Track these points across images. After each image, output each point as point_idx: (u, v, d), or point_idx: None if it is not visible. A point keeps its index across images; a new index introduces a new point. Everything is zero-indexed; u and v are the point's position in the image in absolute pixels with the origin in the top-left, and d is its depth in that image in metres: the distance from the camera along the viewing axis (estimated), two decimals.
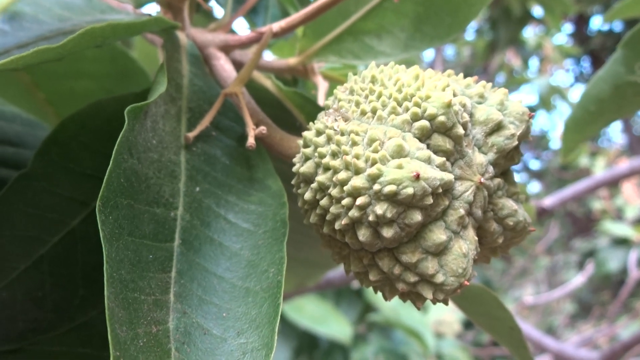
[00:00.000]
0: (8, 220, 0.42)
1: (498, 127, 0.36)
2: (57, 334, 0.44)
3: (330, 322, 2.08)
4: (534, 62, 4.86)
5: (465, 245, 0.34)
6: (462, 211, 0.34)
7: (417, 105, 0.34)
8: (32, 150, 0.55)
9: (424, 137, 0.34)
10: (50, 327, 0.44)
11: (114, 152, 0.34)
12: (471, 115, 0.36)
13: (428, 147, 0.34)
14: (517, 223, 0.37)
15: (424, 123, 0.34)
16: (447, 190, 0.34)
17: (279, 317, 0.35)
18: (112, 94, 0.69)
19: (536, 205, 1.33)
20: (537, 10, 3.68)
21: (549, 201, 1.38)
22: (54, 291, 0.44)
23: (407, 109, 0.35)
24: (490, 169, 0.36)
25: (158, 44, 0.64)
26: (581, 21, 6.93)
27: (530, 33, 4.40)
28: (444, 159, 0.34)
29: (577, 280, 3.73)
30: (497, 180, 0.37)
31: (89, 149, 0.45)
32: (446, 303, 0.36)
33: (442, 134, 0.34)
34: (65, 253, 0.44)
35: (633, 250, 3.10)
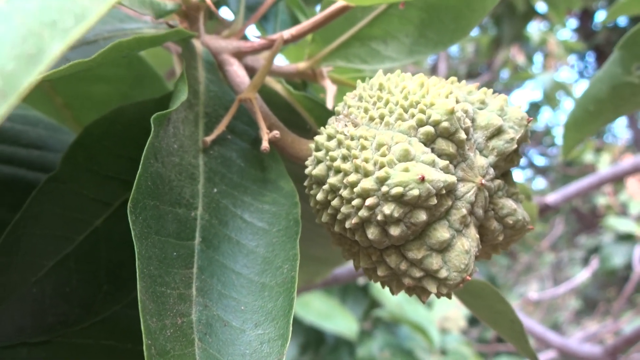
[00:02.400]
0: (38, 220, 0.44)
1: (498, 132, 0.38)
2: (83, 327, 0.47)
3: (336, 318, 2.10)
4: (538, 58, 4.86)
5: (468, 242, 0.37)
6: (464, 211, 0.37)
7: (422, 111, 0.37)
8: (56, 153, 0.58)
9: (428, 141, 0.37)
10: (77, 321, 0.46)
11: (142, 158, 0.36)
12: (473, 120, 0.38)
13: (432, 151, 0.37)
14: (516, 221, 0.39)
15: (429, 129, 0.37)
16: (450, 191, 0.36)
17: (294, 310, 0.37)
18: (128, 98, 0.72)
19: (539, 202, 1.35)
20: (541, 6, 3.67)
21: (552, 198, 1.40)
22: (80, 287, 0.47)
23: (412, 116, 0.37)
24: (491, 171, 0.38)
25: (172, 50, 0.67)
26: (586, 16, 6.89)
27: (534, 28, 4.39)
28: (448, 162, 0.37)
29: (581, 275, 3.74)
30: (498, 182, 0.39)
31: (112, 152, 0.48)
32: (449, 297, 0.39)
33: (446, 138, 0.37)
34: (89, 251, 0.47)
35: (638, 246, 3.11)
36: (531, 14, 3.77)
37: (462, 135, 0.37)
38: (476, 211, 0.38)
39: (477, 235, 0.38)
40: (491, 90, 0.41)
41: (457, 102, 0.38)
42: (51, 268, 0.45)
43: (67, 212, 0.46)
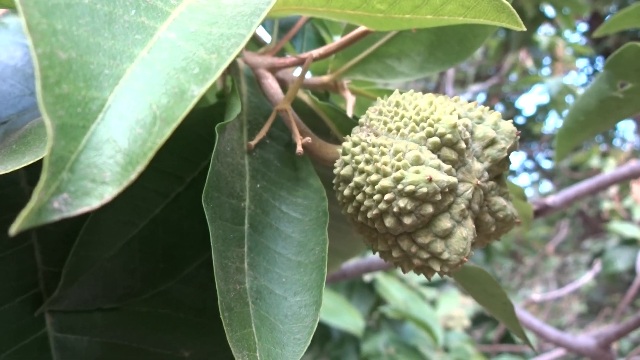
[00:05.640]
0: (112, 208, 0.54)
1: (492, 142, 0.47)
2: (144, 297, 0.56)
3: (342, 315, 2.15)
4: (546, 62, 4.90)
5: (465, 231, 0.46)
6: (463, 206, 0.46)
7: (431, 125, 0.46)
8: None
9: (435, 149, 0.46)
10: (139, 292, 0.56)
11: (211, 160, 0.46)
12: (472, 133, 0.47)
13: (438, 157, 0.46)
14: (506, 216, 0.48)
15: (436, 139, 0.46)
16: (452, 189, 0.45)
17: (324, 283, 0.47)
18: None
19: (539, 202, 1.43)
20: (551, 11, 3.71)
21: (551, 199, 1.48)
22: (142, 264, 0.56)
23: (423, 128, 0.46)
24: (486, 174, 0.47)
25: None
26: (596, 20, 6.90)
27: (543, 33, 4.42)
28: (450, 166, 0.46)
29: (584, 278, 3.79)
30: (491, 183, 0.48)
31: (170, 151, 0.57)
32: (450, 275, 0.48)
33: (449, 147, 0.46)
34: (150, 234, 0.57)
35: None
36: (540, 19, 3.81)
37: (463, 145, 0.46)
38: (473, 206, 0.47)
39: (474, 226, 0.47)
40: (487, 107, 0.50)
41: (459, 117, 0.47)
42: (120, 248, 0.55)
43: (134, 202, 0.55)
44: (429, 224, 0.45)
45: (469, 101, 0.51)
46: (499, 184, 0.49)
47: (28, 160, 0.36)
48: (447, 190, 0.45)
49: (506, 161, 0.49)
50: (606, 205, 4.34)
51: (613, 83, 0.75)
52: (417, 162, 0.45)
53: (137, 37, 0.29)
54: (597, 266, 3.72)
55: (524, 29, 0.48)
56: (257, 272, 0.46)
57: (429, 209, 0.44)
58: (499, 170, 0.49)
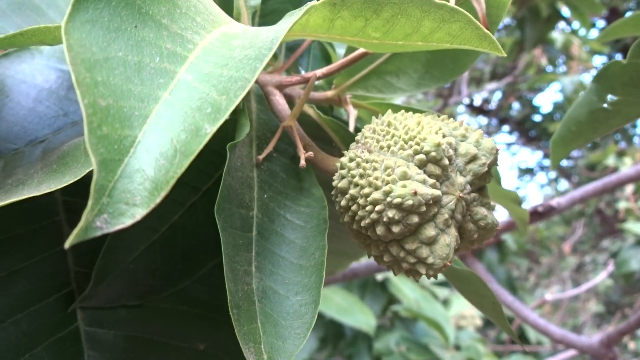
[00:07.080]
0: None
1: (474, 158, 0.53)
2: (164, 295, 0.63)
3: (355, 313, 2.19)
4: (562, 60, 4.87)
5: (449, 238, 0.51)
6: (446, 215, 0.51)
7: (417, 144, 0.51)
8: None
9: (421, 165, 0.51)
10: (160, 291, 0.62)
11: (223, 175, 0.52)
12: (455, 150, 0.53)
13: (424, 172, 0.51)
14: (487, 224, 0.54)
15: (422, 156, 0.51)
16: (436, 201, 0.51)
17: (323, 283, 0.52)
18: None
19: (544, 204, 1.47)
20: (567, 10, 3.69)
21: (556, 201, 1.52)
22: (163, 265, 0.62)
23: (410, 147, 0.52)
24: (468, 187, 0.53)
25: None
26: (613, 17, 6.82)
27: (558, 31, 4.39)
28: (435, 180, 0.51)
29: (597, 278, 3.79)
30: (473, 195, 0.53)
31: None
32: (436, 277, 0.53)
33: (434, 163, 0.51)
34: (169, 239, 0.63)
35: None
36: (555, 17, 3.79)
37: (446, 162, 0.51)
38: (456, 216, 0.52)
39: (457, 234, 0.52)
40: (471, 126, 0.55)
41: (444, 136, 0.52)
42: (143, 251, 0.61)
43: (155, 210, 0.62)
44: (416, 232, 0.51)
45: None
46: (481, 195, 0.55)
47: (68, 180, 0.42)
48: (431, 202, 0.50)
49: (487, 175, 0.54)
50: (622, 205, 4.31)
51: (602, 96, 0.79)
52: (405, 177, 0.50)
53: (161, 80, 0.35)
54: (611, 266, 3.71)
55: (504, 54, 0.53)
56: (263, 274, 0.52)
57: (415, 218, 0.50)
58: (481, 183, 0.54)
